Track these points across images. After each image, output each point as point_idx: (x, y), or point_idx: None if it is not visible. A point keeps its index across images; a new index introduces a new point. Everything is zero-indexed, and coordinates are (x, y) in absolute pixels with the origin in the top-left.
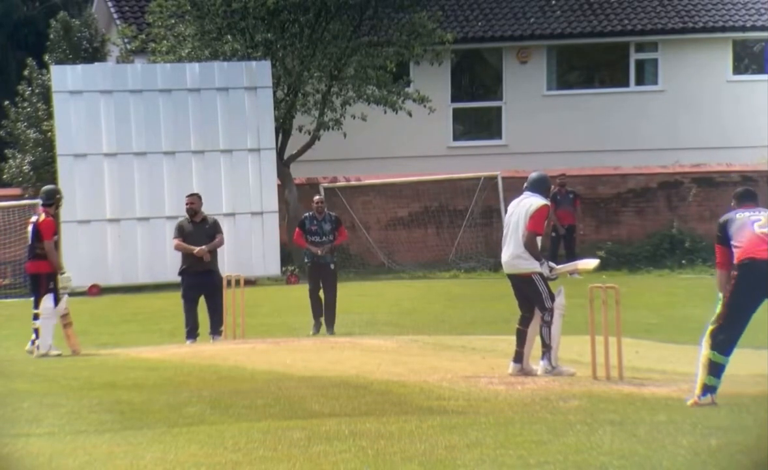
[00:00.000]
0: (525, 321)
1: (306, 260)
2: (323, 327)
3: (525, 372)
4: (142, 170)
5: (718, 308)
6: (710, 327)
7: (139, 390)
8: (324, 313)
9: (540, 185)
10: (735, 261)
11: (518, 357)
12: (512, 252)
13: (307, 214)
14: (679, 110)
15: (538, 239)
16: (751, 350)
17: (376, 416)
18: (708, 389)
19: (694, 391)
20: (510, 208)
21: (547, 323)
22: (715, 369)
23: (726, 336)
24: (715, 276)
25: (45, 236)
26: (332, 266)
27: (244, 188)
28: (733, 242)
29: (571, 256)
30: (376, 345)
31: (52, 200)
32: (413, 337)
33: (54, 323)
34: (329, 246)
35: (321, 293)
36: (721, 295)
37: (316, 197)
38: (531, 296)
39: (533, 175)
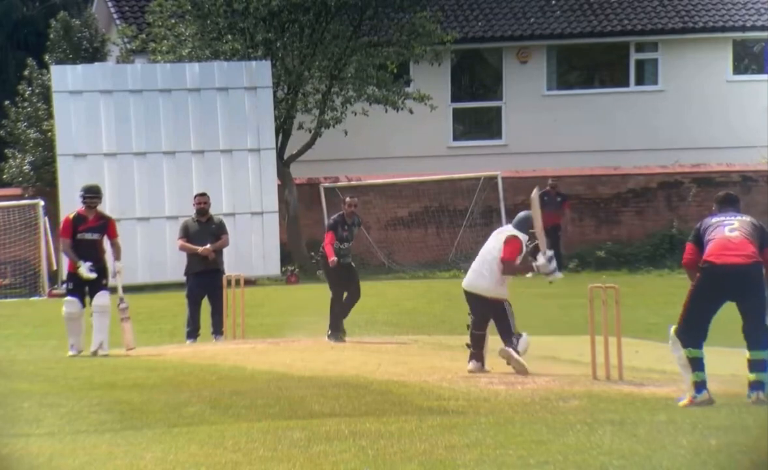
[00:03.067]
0: (481, 327)
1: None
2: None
3: (484, 369)
4: (142, 170)
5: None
6: (673, 328)
7: (139, 390)
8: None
9: (522, 224)
10: (700, 263)
11: (478, 357)
12: (479, 273)
13: (336, 216)
14: (679, 110)
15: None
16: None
17: (376, 416)
18: (700, 385)
19: (686, 392)
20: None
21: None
22: (697, 364)
23: (691, 332)
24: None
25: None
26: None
27: (244, 188)
28: (704, 245)
29: (557, 254)
30: (376, 345)
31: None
32: (413, 337)
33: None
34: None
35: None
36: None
37: (349, 199)
38: (495, 320)
39: (520, 215)
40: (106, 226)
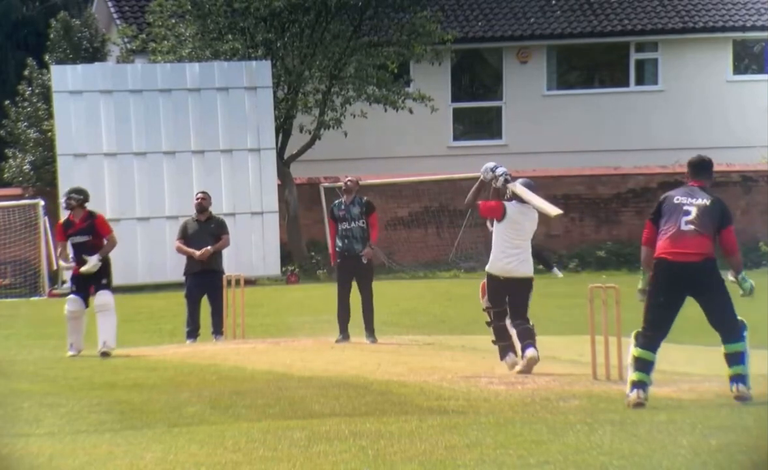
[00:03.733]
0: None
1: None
2: (346, 333)
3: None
4: (142, 170)
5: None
6: (635, 331)
7: (139, 390)
8: (363, 317)
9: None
10: (653, 256)
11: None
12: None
13: (335, 201)
14: (679, 110)
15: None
16: (750, 350)
17: (376, 416)
18: (634, 384)
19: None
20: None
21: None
22: (640, 364)
23: (647, 331)
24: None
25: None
26: (365, 260)
27: (244, 188)
28: (660, 228)
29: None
30: (376, 345)
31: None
32: (413, 337)
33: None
34: (359, 228)
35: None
36: (642, 270)
37: (347, 178)
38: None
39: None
40: (93, 226)
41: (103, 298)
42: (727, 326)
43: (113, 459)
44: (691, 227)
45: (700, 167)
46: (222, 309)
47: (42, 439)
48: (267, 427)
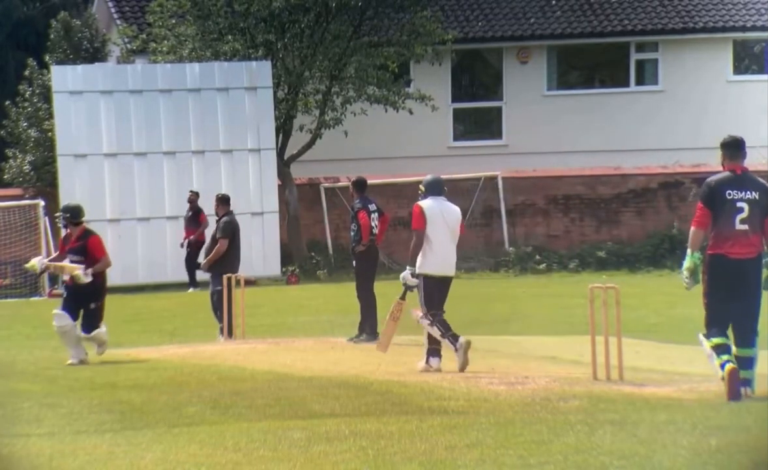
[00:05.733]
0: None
1: (357, 247)
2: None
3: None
4: (142, 170)
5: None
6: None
7: (139, 390)
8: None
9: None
10: (708, 251)
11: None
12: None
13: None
14: (679, 110)
15: None
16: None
17: (377, 416)
18: (724, 363)
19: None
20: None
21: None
22: (720, 349)
23: (712, 327)
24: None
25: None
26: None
27: (245, 188)
28: (714, 223)
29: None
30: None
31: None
32: (413, 337)
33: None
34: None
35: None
36: (689, 251)
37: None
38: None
39: (434, 178)
40: (85, 247)
41: (94, 333)
42: (748, 330)
43: (113, 459)
44: (745, 226)
45: (736, 148)
46: (227, 311)
47: (42, 439)
48: (267, 427)
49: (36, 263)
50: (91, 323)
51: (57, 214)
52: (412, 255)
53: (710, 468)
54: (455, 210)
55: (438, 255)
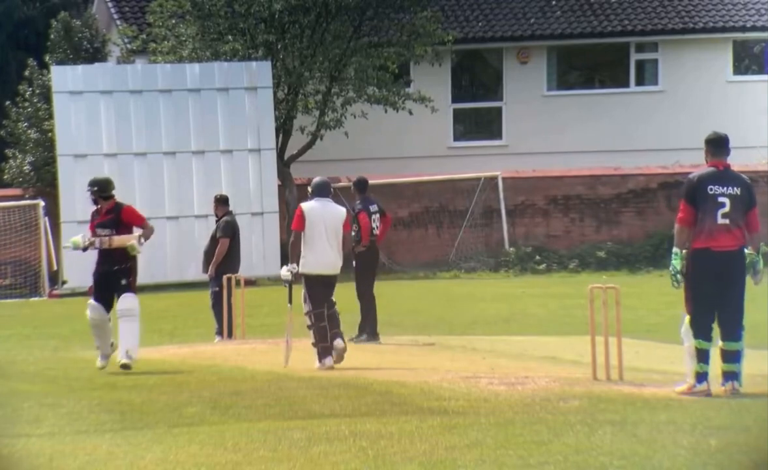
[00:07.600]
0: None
1: (357, 248)
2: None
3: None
4: (142, 171)
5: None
6: (687, 318)
7: (139, 390)
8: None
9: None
10: (691, 246)
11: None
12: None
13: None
14: (679, 110)
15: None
16: (750, 350)
17: (377, 416)
18: (701, 376)
19: (686, 379)
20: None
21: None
22: (702, 356)
23: (700, 322)
24: None
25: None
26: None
27: (245, 188)
28: (697, 218)
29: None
30: (376, 345)
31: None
32: (413, 337)
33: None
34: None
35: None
36: (676, 250)
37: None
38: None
39: (320, 181)
40: (118, 219)
41: (126, 303)
42: (733, 324)
43: (113, 459)
44: (727, 221)
45: (719, 144)
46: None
47: (42, 439)
48: (267, 427)
49: (79, 239)
50: (127, 299)
51: (86, 189)
52: (290, 253)
53: (710, 468)
54: (339, 211)
55: (317, 254)
